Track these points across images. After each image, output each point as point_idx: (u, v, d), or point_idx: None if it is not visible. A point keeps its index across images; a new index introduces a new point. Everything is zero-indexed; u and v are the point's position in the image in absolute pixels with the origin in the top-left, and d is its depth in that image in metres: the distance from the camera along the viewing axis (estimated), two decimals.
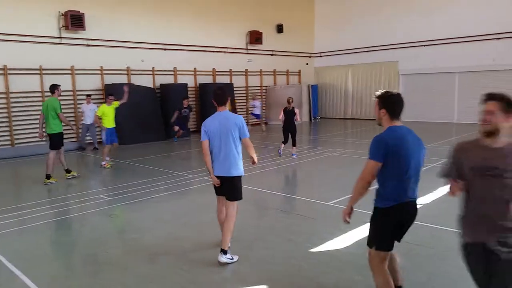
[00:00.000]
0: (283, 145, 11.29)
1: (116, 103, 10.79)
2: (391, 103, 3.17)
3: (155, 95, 16.01)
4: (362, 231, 5.03)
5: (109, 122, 10.56)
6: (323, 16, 23.07)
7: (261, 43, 20.11)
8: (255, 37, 19.85)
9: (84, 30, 14.15)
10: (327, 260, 4.55)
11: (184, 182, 8.59)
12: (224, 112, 4.55)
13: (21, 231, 5.90)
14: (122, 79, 15.38)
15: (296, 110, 11.21)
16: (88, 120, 12.94)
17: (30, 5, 13.19)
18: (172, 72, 17.07)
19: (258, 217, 6.33)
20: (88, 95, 13.32)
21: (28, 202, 7.25)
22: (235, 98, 18.81)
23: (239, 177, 4.58)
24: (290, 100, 11.34)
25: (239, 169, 4.54)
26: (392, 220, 3.12)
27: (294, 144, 11.36)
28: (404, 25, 19.60)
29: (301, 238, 5.24)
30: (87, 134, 13.59)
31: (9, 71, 12.89)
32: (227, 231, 4.52)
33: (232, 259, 4.50)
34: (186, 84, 17.02)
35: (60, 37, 13.91)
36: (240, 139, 4.53)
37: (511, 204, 2.46)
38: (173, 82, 16.92)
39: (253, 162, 4.73)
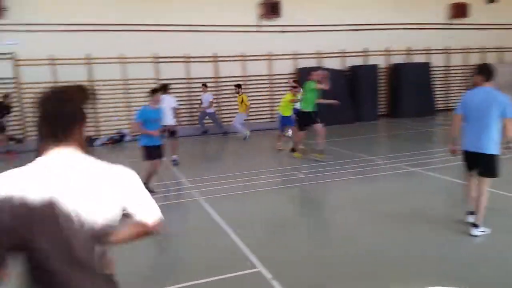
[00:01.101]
0: None
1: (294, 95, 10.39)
2: None
3: (344, 77, 15.83)
4: None
5: (285, 109, 10.46)
6: None
7: (467, 16, 17.56)
8: (458, 10, 17.44)
9: (280, 17, 14.91)
10: None
11: (374, 167, 8.21)
12: (488, 88, 4.50)
13: (233, 196, 6.63)
14: (313, 63, 15.69)
15: None
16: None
17: None
18: (363, 53, 16.53)
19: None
20: (204, 84, 13.59)
21: (245, 171, 8.13)
22: (433, 79, 17.08)
23: (493, 155, 4.43)
24: None
25: (493, 147, 4.46)
26: None
27: None
28: None
29: None
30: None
31: (218, 59, 14.63)
32: (479, 207, 4.60)
33: (484, 231, 4.62)
34: (376, 66, 16.27)
35: (259, 25, 15.00)
36: (501, 118, 4.35)
37: None
38: (363, 64, 16.40)
39: None
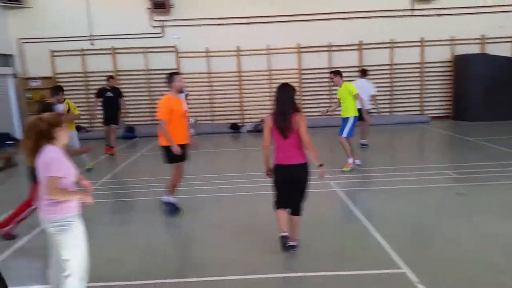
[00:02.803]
0: None
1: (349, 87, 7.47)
2: None
3: None
4: None
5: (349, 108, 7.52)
6: None
7: None
8: None
9: None
10: None
11: None
12: None
13: (371, 191, 6.34)
14: (474, 49, 13.84)
15: None
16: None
17: None
18: None
19: None
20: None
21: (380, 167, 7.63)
22: None
23: None
24: None
25: None
26: None
27: None
28: None
29: None
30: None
31: (363, 47, 13.97)
32: None
33: None
34: None
35: (412, 9, 13.81)
36: None
37: None
38: None
39: None
